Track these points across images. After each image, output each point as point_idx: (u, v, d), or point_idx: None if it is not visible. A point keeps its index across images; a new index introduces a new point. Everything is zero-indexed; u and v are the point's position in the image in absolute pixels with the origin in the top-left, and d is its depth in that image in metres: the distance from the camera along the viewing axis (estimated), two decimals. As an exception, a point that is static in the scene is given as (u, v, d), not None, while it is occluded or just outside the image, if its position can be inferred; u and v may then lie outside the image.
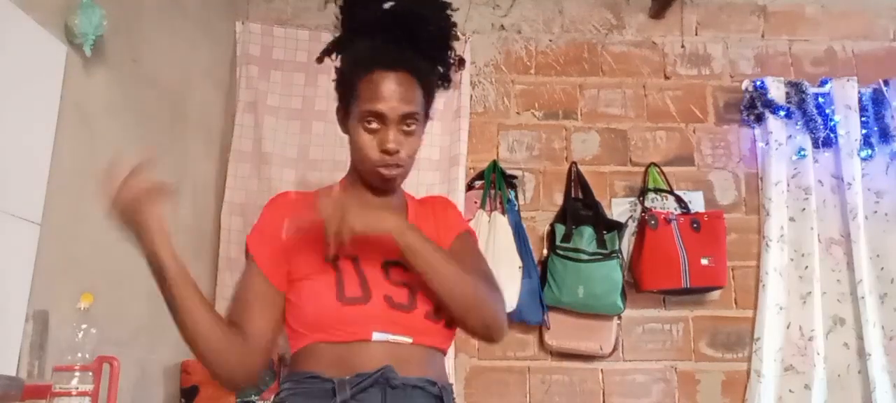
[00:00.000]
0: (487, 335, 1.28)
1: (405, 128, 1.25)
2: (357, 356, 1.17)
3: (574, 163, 2.75)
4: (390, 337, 1.19)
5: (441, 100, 2.70)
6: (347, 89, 1.29)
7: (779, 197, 2.66)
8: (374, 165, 1.26)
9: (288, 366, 1.31)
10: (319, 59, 1.39)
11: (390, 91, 1.23)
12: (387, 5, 1.28)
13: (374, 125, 1.24)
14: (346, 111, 1.30)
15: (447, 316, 1.24)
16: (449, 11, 1.33)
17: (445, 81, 1.39)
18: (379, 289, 1.20)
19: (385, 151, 1.24)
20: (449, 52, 1.36)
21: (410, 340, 1.21)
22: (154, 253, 1.09)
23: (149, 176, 1.09)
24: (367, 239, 1.19)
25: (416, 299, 1.22)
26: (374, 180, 1.29)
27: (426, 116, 1.33)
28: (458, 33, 1.36)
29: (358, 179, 1.32)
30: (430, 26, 1.30)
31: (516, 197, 2.69)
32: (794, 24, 2.93)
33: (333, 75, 1.35)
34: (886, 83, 2.75)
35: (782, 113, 2.71)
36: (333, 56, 1.37)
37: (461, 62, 1.39)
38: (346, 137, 1.32)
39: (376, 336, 1.18)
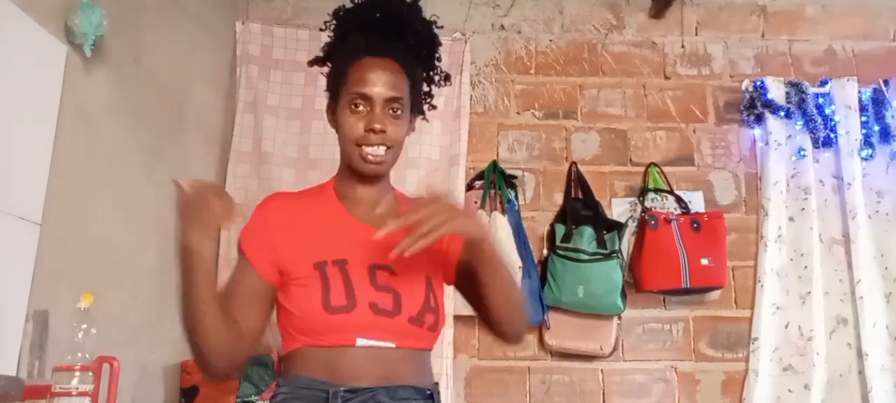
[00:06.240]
0: (519, 335, 1.41)
1: (391, 112, 1.29)
2: (342, 360, 1.20)
3: (574, 163, 2.75)
4: (374, 343, 1.21)
5: (441, 99, 2.72)
6: (339, 78, 1.33)
7: (777, 197, 2.66)
8: (358, 142, 1.28)
9: (282, 366, 1.33)
10: (311, 63, 1.45)
11: (378, 76, 1.28)
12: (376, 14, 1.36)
13: (361, 108, 1.28)
14: (337, 102, 1.33)
15: (489, 317, 1.32)
16: (432, 26, 1.40)
17: (440, 80, 1.44)
18: (364, 296, 1.21)
19: (370, 129, 1.27)
20: (435, 56, 1.42)
21: (394, 345, 1.22)
22: (191, 242, 1.14)
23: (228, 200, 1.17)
24: (359, 240, 1.22)
25: (400, 304, 1.24)
26: (359, 164, 1.30)
27: (414, 108, 1.37)
28: (440, 40, 1.42)
29: (347, 174, 1.34)
30: (415, 25, 1.37)
31: (516, 197, 2.69)
32: (794, 24, 2.93)
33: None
34: (886, 83, 2.75)
35: (782, 113, 2.71)
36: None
37: (447, 78, 1.45)
38: None
39: (360, 341, 1.20)
